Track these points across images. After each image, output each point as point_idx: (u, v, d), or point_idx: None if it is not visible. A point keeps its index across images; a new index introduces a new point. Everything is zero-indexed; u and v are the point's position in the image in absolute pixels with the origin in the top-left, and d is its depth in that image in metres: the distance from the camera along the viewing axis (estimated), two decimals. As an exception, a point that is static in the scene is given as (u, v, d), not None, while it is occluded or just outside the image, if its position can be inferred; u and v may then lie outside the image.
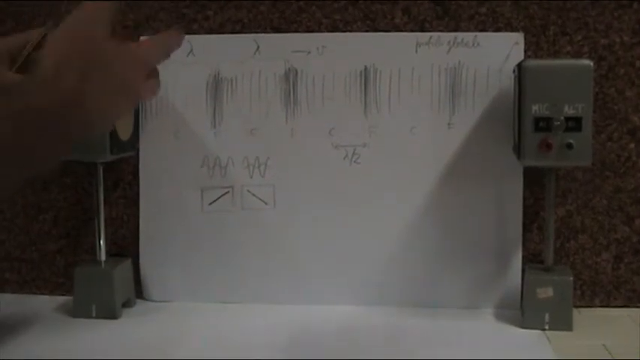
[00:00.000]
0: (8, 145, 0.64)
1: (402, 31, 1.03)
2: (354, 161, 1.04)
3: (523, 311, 0.97)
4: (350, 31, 1.04)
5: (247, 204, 1.05)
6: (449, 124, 1.02)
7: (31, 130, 0.65)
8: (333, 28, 1.05)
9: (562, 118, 0.90)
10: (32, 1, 1.08)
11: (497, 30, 1.02)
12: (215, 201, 1.06)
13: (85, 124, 0.69)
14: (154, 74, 0.76)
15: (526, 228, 1.03)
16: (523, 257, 1.02)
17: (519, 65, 0.93)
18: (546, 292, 0.94)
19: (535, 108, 0.90)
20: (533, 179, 1.02)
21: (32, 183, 1.09)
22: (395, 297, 1.04)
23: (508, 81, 1.00)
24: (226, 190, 1.06)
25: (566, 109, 0.90)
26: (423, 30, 1.03)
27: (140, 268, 1.08)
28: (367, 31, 1.04)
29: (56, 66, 0.66)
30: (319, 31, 1.05)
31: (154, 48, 0.76)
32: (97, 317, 1.00)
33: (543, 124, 0.90)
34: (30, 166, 0.66)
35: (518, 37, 1.01)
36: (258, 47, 1.05)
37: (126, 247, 1.09)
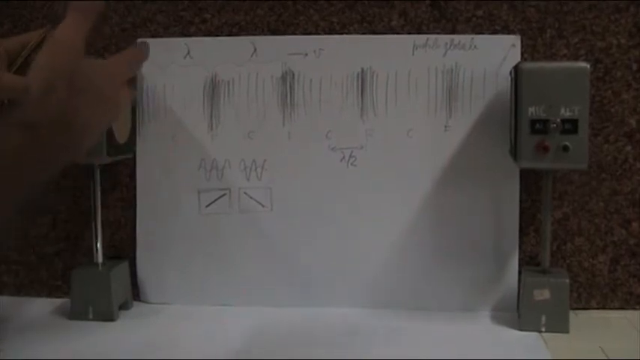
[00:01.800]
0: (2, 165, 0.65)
1: (398, 33, 1.04)
2: (351, 164, 1.04)
3: (520, 313, 0.97)
4: (347, 33, 1.05)
5: (244, 206, 1.06)
6: (445, 126, 1.02)
7: (24, 150, 0.66)
8: (331, 31, 1.05)
9: (558, 120, 0.90)
10: (30, 1, 1.08)
11: (494, 32, 1.02)
12: (212, 203, 1.06)
13: (75, 140, 0.71)
14: (128, 83, 0.79)
15: (523, 230, 1.03)
16: (520, 259, 1.02)
17: (516, 68, 0.93)
18: (543, 295, 0.95)
19: (531, 110, 0.91)
20: (530, 181, 1.02)
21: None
22: (392, 299, 1.04)
23: (505, 83, 1.00)
24: (223, 193, 1.06)
25: (562, 111, 0.90)
26: (419, 32, 1.03)
27: (137, 271, 1.08)
28: (364, 33, 1.04)
29: (43, 88, 0.68)
30: (316, 33, 1.05)
31: (124, 63, 0.79)
32: (94, 319, 1.00)
33: (540, 127, 0.90)
34: (21, 184, 0.67)
35: (514, 40, 1.01)
36: (255, 50, 1.05)
37: (123, 249, 1.09)
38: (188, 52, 1.05)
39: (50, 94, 0.68)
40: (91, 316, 1.00)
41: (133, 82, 0.79)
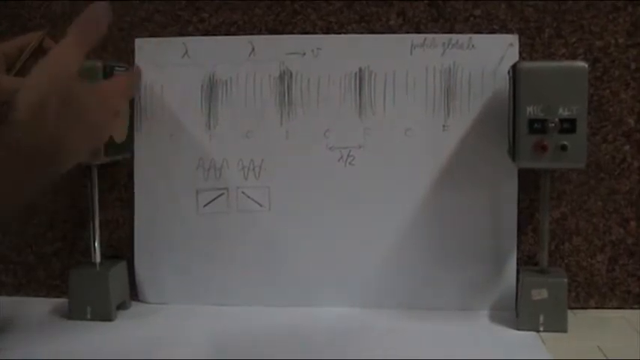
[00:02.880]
0: None
1: (396, 32, 1.04)
2: (349, 163, 1.04)
3: (518, 313, 0.97)
4: (345, 32, 1.05)
5: (242, 206, 1.05)
6: (444, 125, 1.02)
7: (8, 168, 0.66)
8: (328, 30, 1.05)
9: (557, 119, 0.90)
10: (28, 1, 1.08)
11: (492, 32, 1.02)
12: (210, 203, 1.06)
13: (59, 162, 0.70)
14: (121, 114, 0.78)
15: (521, 230, 1.03)
16: (518, 259, 1.02)
17: (514, 67, 0.93)
18: (541, 294, 0.95)
19: (530, 110, 0.90)
20: (528, 181, 1.02)
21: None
22: (390, 299, 1.04)
23: (503, 83, 1.00)
24: (221, 192, 1.06)
25: (560, 110, 0.90)
26: (417, 32, 1.03)
27: (135, 271, 1.07)
28: (362, 33, 1.04)
29: (34, 108, 0.68)
30: (314, 32, 1.05)
31: (120, 89, 0.79)
32: (92, 319, 1.00)
33: (538, 126, 0.90)
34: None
35: (512, 39, 1.01)
36: (253, 49, 1.05)
37: (121, 249, 1.09)
38: (186, 52, 1.05)
39: (39, 113, 0.67)
40: (89, 316, 1.00)
41: (124, 114, 0.78)
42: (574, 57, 1.01)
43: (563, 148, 0.90)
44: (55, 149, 0.69)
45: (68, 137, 0.69)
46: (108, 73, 0.95)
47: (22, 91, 0.69)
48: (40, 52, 0.95)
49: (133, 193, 1.08)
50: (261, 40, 1.05)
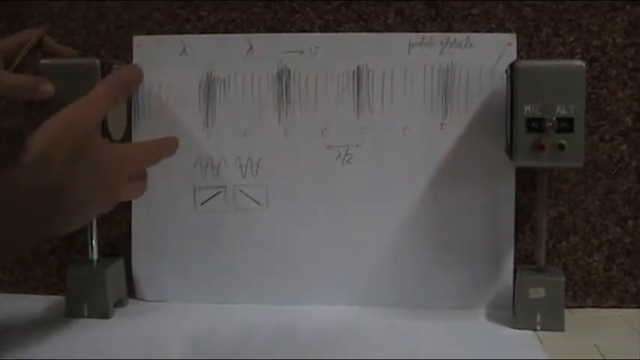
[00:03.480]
0: None
1: (394, 31, 1.04)
2: (347, 161, 1.04)
3: (515, 312, 0.97)
4: (343, 31, 1.05)
5: (240, 204, 1.05)
6: (441, 124, 1.02)
7: (8, 212, 0.65)
8: (326, 29, 1.05)
9: (554, 119, 0.90)
10: (26, 1, 1.08)
11: (490, 31, 1.02)
12: (207, 201, 1.06)
13: (61, 215, 0.68)
14: (140, 176, 0.77)
15: (518, 229, 1.03)
16: (515, 258, 1.02)
17: (512, 66, 0.93)
18: (538, 293, 0.95)
19: (527, 109, 0.90)
20: (526, 180, 1.02)
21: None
22: (387, 297, 1.04)
23: (500, 82, 1.00)
24: (219, 190, 1.06)
25: (558, 109, 0.90)
26: (415, 31, 1.03)
27: (132, 268, 1.07)
28: (360, 31, 1.04)
29: (44, 153, 0.66)
30: (312, 31, 1.05)
31: (145, 153, 0.77)
32: (90, 317, 1.00)
33: (535, 125, 0.90)
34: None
35: (510, 38, 1.01)
36: (251, 47, 1.05)
37: (118, 246, 1.09)
38: (184, 50, 1.05)
39: (46, 157, 0.66)
40: (86, 314, 1.00)
41: (143, 175, 0.77)
42: (572, 56, 1.01)
43: (561, 147, 0.90)
44: (57, 198, 0.67)
45: (74, 187, 0.68)
46: (105, 71, 0.95)
47: (36, 133, 0.67)
48: (39, 49, 0.95)
49: (130, 191, 1.07)
50: (259, 39, 1.05)
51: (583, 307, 1.03)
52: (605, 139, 1.02)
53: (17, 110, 0.91)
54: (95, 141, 0.71)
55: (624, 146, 1.02)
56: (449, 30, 1.03)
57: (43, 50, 0.95)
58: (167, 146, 0.80)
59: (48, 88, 0.90)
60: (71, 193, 0.68)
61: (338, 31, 1.05)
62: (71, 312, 1.00)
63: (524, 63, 0.94)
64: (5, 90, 0.88)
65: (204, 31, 1.06)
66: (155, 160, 0.80)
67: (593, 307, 1.03)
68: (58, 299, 1.06)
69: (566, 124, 0.90)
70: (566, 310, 0.95)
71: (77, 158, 0.68)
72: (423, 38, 1.02)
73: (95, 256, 1.02)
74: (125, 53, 1.06)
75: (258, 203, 1.06)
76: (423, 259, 1.04)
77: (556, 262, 1.03)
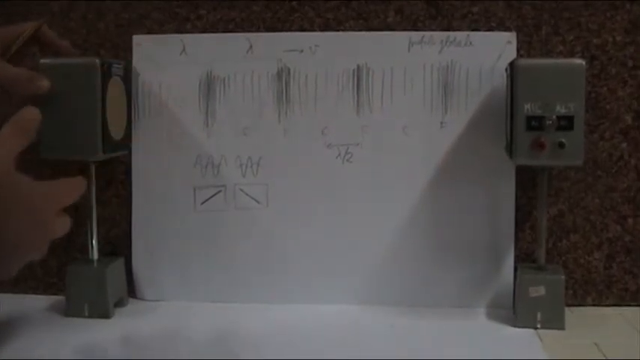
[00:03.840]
0: None
1: (394, 30, 1.04)
2: (347, 160, 1.04)
3: (515, 310, 0.97)
4: (343, 30, 1.05)
5: (240, 203, 1.05)
6: (441, 123, 1.02)
7: None
8: (326, 28, 1.05)
9: (554, 117, 0.90)
10: (26, 0, 1.08)
11: (490, 29, 1.02)
12: (208, 200, 1.06)
13: (1, 258, 0.68)
14: (61, 211, 0.76)
15: (518, 227, 1.03)
16: (515, 256, 1.02)
17: (512, 64, 0.93)
18: (538, 291, 0.95)
19: (527, 107, 0.90)
20: (526, 178, 1.02)
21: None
22: (387, 296, 1.04)
23: (500, 80, 1.00)
24: (219, 189, 1.06)
25: (558, 108, 0.90)
26: (415, 29, 1.03)
27: (133, 268, 1.07)
28: (360, 30, 1.04)
29: None
30: (312, 30, 1.05)
31: (71, 187, 0.77)
32: (90, 316, 1.00)
33: (535, 123, 0.90)
34: None
35: (510, 37, 1.01)
36: (250, 46, 1.05)
37: (119, 246, 1.09)
38: (183, 49, 1.05)
39: None
40: (86, 313, 1.00)
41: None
42: (571, 54, 1.01)
43: (561, 145, 0.90)
44: None
45: (8, 230, 0.67)
46: (105, 70, 0.95)
47: None
48: (37, 40, 0.95)
49: (130, 190, 1.07)
50: (259, 38, 1.05)
51: (583, 305, 1.03)
52: (605, 137, 1.02)
53: (9, 102, 0.90)
54: (19, 180, 0.70)
55: (624, 144, 1.02)
56: (449, 28, 1.03)
57: (40, 41, 0.95)
58: (81, 185, 0.80)
59: (44, 84, 0.90)
60: (5, 235, 0.68)
61: (338, 30, 1.04)
62: (71, 312, 1.00)
63: (524, 61, 0.94)
64: (0, 80, 0.88)
65: (203, 31, 1.06)
66: (81, 193, 0.80)
67: (594, 305, 1.03)
68: (58, 299, 1.06)
69: (566, 123, 0.90)
70: (566, 309, 0.95)
71: (6, 200, 0.67)
72: (423, 37, 1.02)
73: (95, 256, 1.02)
74: (125, 52, 1.06)
75: (258, 202, 1.05)
76: (423, 258, 1.04)
77: (556, 260, 1.03)
